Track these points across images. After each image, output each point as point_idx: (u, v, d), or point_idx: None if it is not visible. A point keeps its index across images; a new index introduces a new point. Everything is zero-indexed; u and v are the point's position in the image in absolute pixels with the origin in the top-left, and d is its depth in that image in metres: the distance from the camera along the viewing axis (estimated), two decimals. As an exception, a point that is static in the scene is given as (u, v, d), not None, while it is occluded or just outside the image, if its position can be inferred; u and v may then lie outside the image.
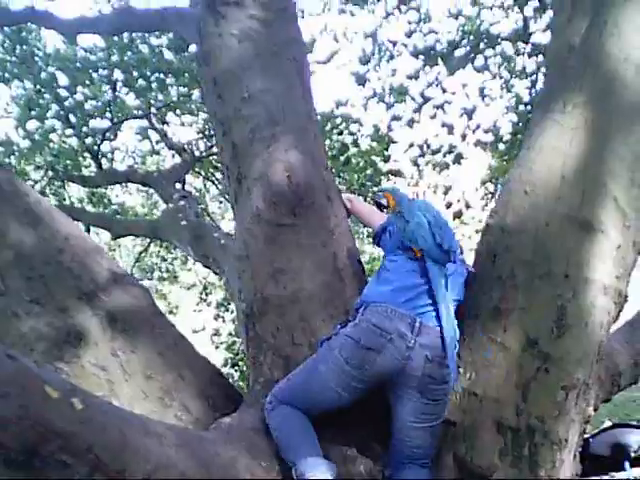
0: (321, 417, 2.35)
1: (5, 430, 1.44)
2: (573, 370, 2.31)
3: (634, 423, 3.67)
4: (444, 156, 7.28)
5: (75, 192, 10.27)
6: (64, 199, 9.32)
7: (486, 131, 7.17)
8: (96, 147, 8.04)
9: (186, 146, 8.44)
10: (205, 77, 3.00)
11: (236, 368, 10.00)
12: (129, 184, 9.85)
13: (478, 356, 2.40)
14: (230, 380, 9.80)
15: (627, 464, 3.43)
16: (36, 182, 8.87)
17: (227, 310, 10.77)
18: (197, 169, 9.37)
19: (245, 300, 2.66)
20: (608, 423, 3.68)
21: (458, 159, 7.13)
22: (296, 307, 2.53)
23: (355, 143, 7.47)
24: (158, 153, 9.44)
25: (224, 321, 10.93)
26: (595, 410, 2.59)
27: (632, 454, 3.45)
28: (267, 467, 2.16)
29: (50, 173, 8.47)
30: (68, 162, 8.37)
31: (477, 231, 8.51)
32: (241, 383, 8.85)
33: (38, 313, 2.25)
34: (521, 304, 2.38)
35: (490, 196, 9.04)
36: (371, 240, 3.02)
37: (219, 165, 8.95)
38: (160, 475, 1.78)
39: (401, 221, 2.48)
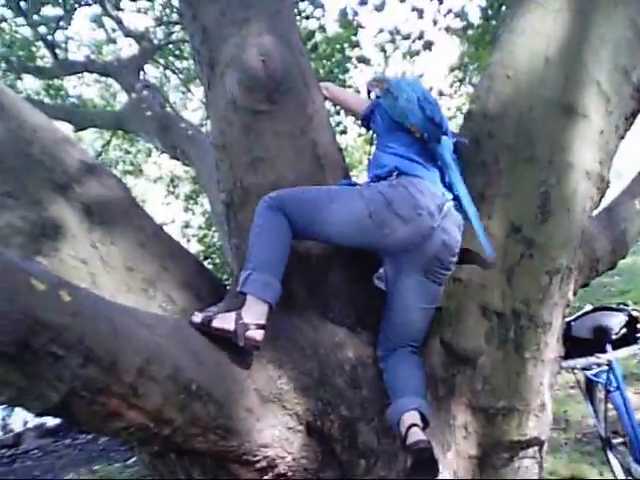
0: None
1: (-6, 324, 1.41)
2: (557, 255, 2.35)
3: (614, 306, 3.75)
4: (414, 42, 7.12)
5: (30, 85, 9.96)
6: (20, 92, 9.01)
7: (456, 15, 6.99)
8: (50, 36, 7.71)
9: (144, 34, 8.12)
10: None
11: (209, 260, 10.05)
12: (86, 75, 9.55)
13: (463, 243, 2.39)
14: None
15: (609, 346, 3.54)
16: (-12, 74, 8.57)
17: (196, 203, 10.73)
18: (157, 58, 9.07)
19: (224, 190, 2.61)
20: (589, 307, 3.77)
21: (429, 45, 6.97)
22: (277, 197, 2.47)
23: (322, 29, 7.26)
24: (115, 42, 9.09)
25: (194, 213, 10.91)
26: (574, 295, 2.64)
27: (613, 336, 3.56)
28: (258, 355, 2.18)
29: (3, 65, 8.14)
30: (22, 53, 8.05)
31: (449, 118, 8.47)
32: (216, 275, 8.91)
33: (12, 207, 2.18)
34: (505, 190, 2.39)
35: (459, 83, 8.97)
36: (359, 123, 2.96)
37: (179, 53, 8.70)
38: (153, 366, 1.79)
39: (389, 98, 2.45)
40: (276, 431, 2.13)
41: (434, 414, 2.32)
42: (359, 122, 2.94)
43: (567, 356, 2.88)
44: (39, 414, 1.68)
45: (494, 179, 2.40)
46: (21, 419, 8.32)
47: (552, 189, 2.33)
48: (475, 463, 2.39)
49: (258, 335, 2.12)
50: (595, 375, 3.71)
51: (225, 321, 2.13)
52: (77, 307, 1.63)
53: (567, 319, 3.34)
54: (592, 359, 3.46)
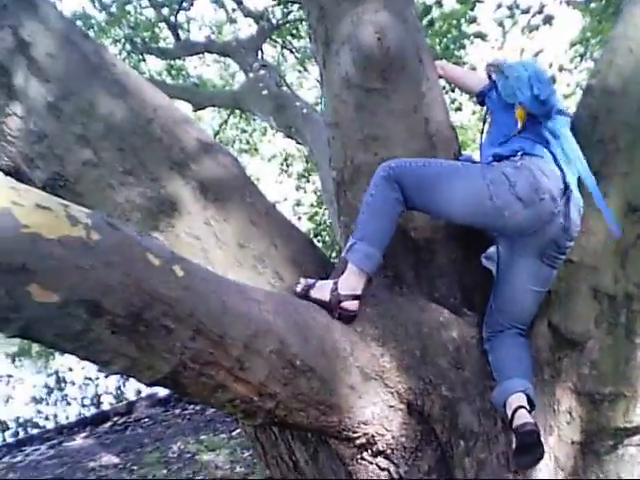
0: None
1: (110, 297, 1.48)
2: (676, 238, 2.23)
3: None
4: (533, 17, 6.88)
5: (153, 65, 10.28)
6: (144, 72, 9.33)
7: (576, -11, 6.74)
8: (172, 18, 7.93)
9: (263, 13, 8.23)
10: None
11: (319, 238, 10.14)
12: (206, 55, 9.77)
13: (576, 223, 2.32)
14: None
15: None
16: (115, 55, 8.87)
17: (308, 181, 10.83)
18: (274, 38, 9.17)
19: (335, 168, 2.63)
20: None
21: (549, 20, 6.71)
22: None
23: (439, 4, 7.12)
24: (234, 22, 9.26)
25: (305, 192, 11.02)
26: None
27: None
28: (361, 332, 2.20)
29: (128, 46, 8.44)
30: (146, 34, 8.32)
31: (566, 96, 8.19)
32: (324, 253, 9.01)
33: (132, 184, 2.27)
34: (623, 169, 2.27)
35: (580, 59, 8.63)
36: (475, 100, 2.90)
37: (296, 33, 8.75)
38: (260, 340, 1.83)
39: (502, 78, 2.40)
40: (377, 409, 2.14)
41: (538, 398, 2.27)
42: (474, 99, 2.88)
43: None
44: (150, 384, 1.74)
45: (612, 157, 2.29)
46: (134, 388, 8.69)
47: (673, 168, 2.21)
48: (577, 449, 2.31)
49: (352, 305, 2.18)
50: None
51: (322, 291, 2.21)
52: (189, 282, 1.68)
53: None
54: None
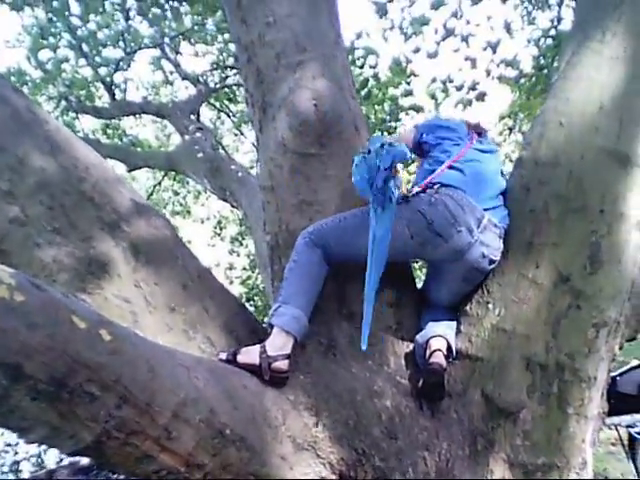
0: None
1: (33, 360, 1.41)
2: (605, 307, 2.27)
3: (662, 362, 3.64)
4: (467, 93, 7.10)
5: (89, 124, 10.20)
6: (78, 131, 9.23)
7: (508, 64, 6.97)
8: (109, 78, 7.91)
9: (200, 77, 8.29)
10: (228, 1, 2.88)
11: (251, 302, 10.06)
12: (143, 116, 9.75)
13: (508, 292, 2.35)
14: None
15: (655, 403, 3.42)
16: (49, 113, 8.76)
17: (241, 245, 10.78)
18: (211, 101, 9.23)
19: (270, 232, 2.61)
20: (635, 362, 3.66)
21: (481, 97, 6.95)
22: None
23: (375, 76, 7.29)
24: (172, 84, 9.30)
25: (238, 255, 10.96)
26: (620, 348, 2.55)
27: (660, 394, 3.44)
28: (294, 401, 2.15)
29: (63, 104, 8.36)
30: (81, 93, 8.25)
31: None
32: (257, 317, 8.93)
33: (60, 243, 2.19)
34: (554, 239, 2.32)
35: (509, 131, 8.92)
36: (414, 155, 2.96)
37: (233, 97, 8.83)
38: (189, 408, 1.76)
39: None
40: (308, 480, 2.07)
41: (471, 468, 2.25)
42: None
43: (611, 412, 2.77)
44: (71, 454, 1.66)
45: (543, 227, 2.34)
46: (55, 455, 8.34)
47: (603, 239, 2.26)
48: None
49: (283, 365, 2.16)
50: (639, 433, 3.57)
51: (250, 355, 2.18)
52: (116, 346, 1.61)
53: (612, 374, 3.22)
54: (637, 417, 3.33)
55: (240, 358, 2.17)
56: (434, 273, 2.60)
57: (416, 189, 2.50)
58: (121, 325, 1.84)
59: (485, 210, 2.43)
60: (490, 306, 2.38)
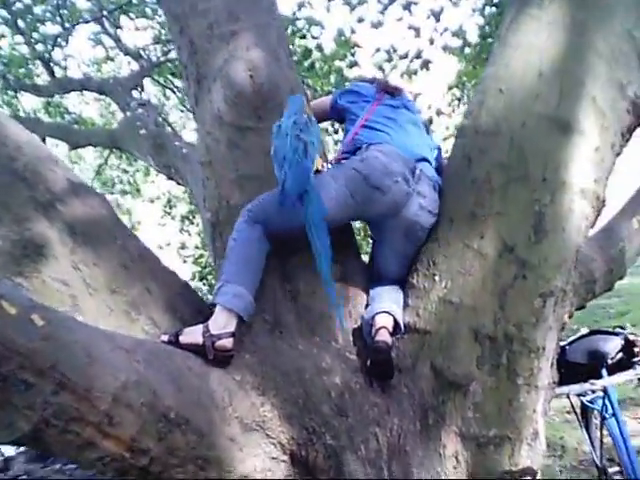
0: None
1: (-41, 349, 1.35)
2: (551, 277, 2.27)
3: (611, 330, 3.67)
4: (411, 61, 7.06)
5: (30, 103, 9.95)
6: (18, 109, 8.99)
7: (454, 34, 6.94)
8: (48, 54, 7.69)
9: (142, 51, 8.10)
10: (160, -29, 2.80)
11: (204, 281, 9.98)
12: (86, 93, 9.53)
13: (454, 263, 2.34)
14: (199, 294, 9.81)
15: (604, 371, 3.45)
16: (-14, 92, 8.56)
17: (192, 223, 10.66)
18: (155, 76, 9.03)
19: (210, 209, 2.55)
20: (584, 330, 3.69)
21: (426, 65, 6.90)
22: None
23: (319, 48, 7.21)
24: (112, 60, 9.08)
25: (190, 234, 10.85)
26: (570, 317, 2.57)
27: (609, 361, 3.47)
28: (240, 380, 2.10)
29: (1, 82, 8.12)
30: (20, 71, 8.03)
31: (445, 139, 8.43)
32: (209, 296, 8.86)
33: (-7, 226, 2.12)
34: (498, 209, 2.30)
35: (457, 102, 8.92)
36: (332, 118, 3.08)
37: (177, 72, 8.68)
38: (130, 392, 1.72)
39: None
40: (259, 461, 2.02)
41: (423, 443, 2.24)
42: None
43: (561, 381, 2.79)
44: (10, 443, 1.61)
45: (486, 197, 2.32)
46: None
47: (546, 208, 2.25)
48: (466, 494, 2.30)
49: (228, 343, 2.11)
50: (590, 401, 3.61)
51: (193, 335, 2.13)
52: (50, 331, 1.56)
53: (562, 343, 3.25)
54: (586, 386, 3.36)
55: (182, 339, 2.12)
56: (377, 236, 2.62)
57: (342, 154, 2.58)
58: (56, 309, 1.79)
59: (415, 160, 2.50)
60: (436, 278, 2.36)
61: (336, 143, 7.87)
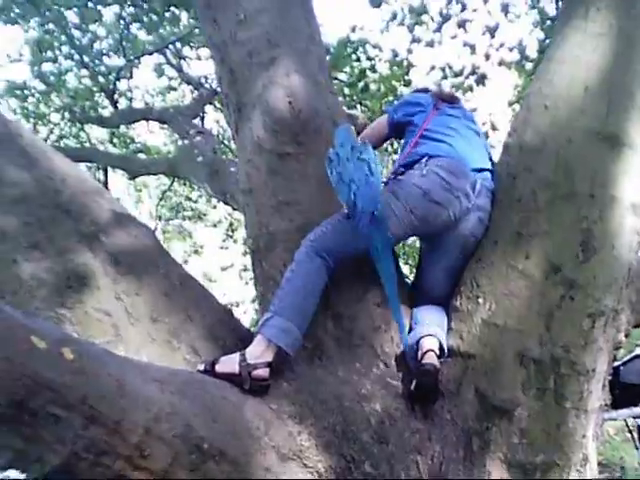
0: None
1: (-10, 384, 1.35)
2: (600, 296, 2.17)
3: (666, 350, 3.53)
4: (467, 78, 6.99)
5: (98, 134, 10.20)
6: (84, 141, 9.25)
7: (510, 49, 6.85)
8: (112, 86, 7.89)
9: (202, 80, 8.23)
10: (199, 1, 2.83)
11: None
12: (151, 122, 9.74)
13: (498, 285, 2.26)
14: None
15: (659, 393, 3.31)
16: (55, 124, 8.81)
17: (254, 245, 10.70)
18: (218, 104, 9.16)
19: (251, 236, 2.55)
20: (639, 350, 3.55)
21: (482, 80, 6.83)
22: (303, 242, 2.39)
23: (373, 69, 7.20)
24: (175, 89, 9.26)
25: (252, 257, 10.89)
26: (626, 336, 2.45)
27: (664, 382, 3.33)
28: (277, 409, 2.06)
29: (68, 115, 8.37)
30: (86, 103, 8.25)
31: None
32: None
33: (37, 258, 2.15)
34: (544, 228, 2.22)
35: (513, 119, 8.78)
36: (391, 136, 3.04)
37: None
38: (162, 424, 1.70)
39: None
40: (296, 490, 1.99)
41: (467, 470, 2.16)
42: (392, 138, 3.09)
43: (615, 403, 2.67)
44: (39, 477, 1.60)
45: (532, 216, 2.25)
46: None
47: (594, 225, 2.16)
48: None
49: (264, 373, 2.08)
50: (646, 423, 3.47)
51: (229, 364, 2.09)
52: (80, 365, 1.56)
53: (616, 363, 3.12)
54: (637, 410, 3.22)
55: (219, 367, 2.09)
56: (431, 252, 2.57)
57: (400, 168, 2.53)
58: (88, 342, 1.80)
59: (475, 171, 2.46)
60: (480, 300, 2.29)
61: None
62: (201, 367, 2.11)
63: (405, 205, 2.32)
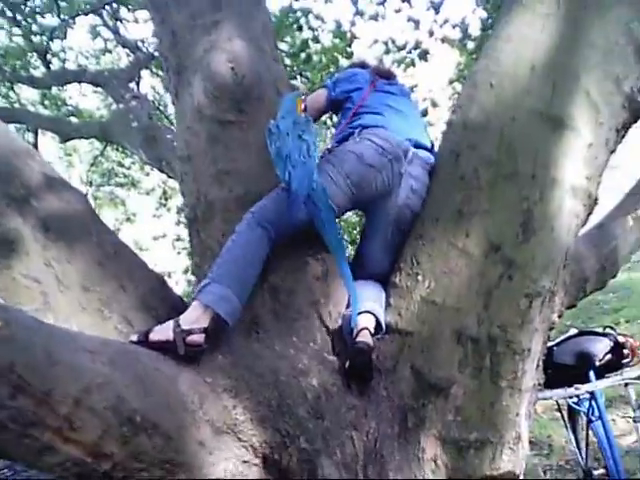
0: None
1: None
2: (538, 277, 2.18)
3: (600, 330, 3.60)
4: (409, 52, 6.97)
5: (28, 94, 9.88)
6: (14, 101, 8.93)
7: (454, 26, 6.85)
8: (45, 46, 7.62)
9: (139, 43, 8.01)
10: (141, -42, 2.73)
11: (198, 274, 9.84)
12: (84, 85, 9.45)
13: (438, 263, 2.26)
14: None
15: (592, 374, 3.37)
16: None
17: (188, 215, 10.54)
18: (154, 69, 8.94)
19: (188, 204, 2.48)
20: (573, 331, 3.62)
21: (424, 55, 6.81)
22: (243, 212, 2.32)
23: (316, 39, 7.12)
24: (110, 52, 9.00)
25: (185, 226, 10.72)
26: (559, 317, 2.49)
27: (597, 363, 3.40)
28: (212, 383, 2.01)
29: (-3, 74, 8.07)
30: (17, 62, 7.97)
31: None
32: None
33: (-37, 221, 2.05)
34: (485, 207, 2.22)
35: (457, 96, 8.82)
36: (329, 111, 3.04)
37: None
38: (93, 396, 1.63)
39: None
40: (230, 465, 1.94)
41: (402, 447, 2.16)
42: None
43: (548, 383, 2.72)
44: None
45: (473, 194, 2.24)
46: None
47: (535, 206, 2.17)
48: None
49: (199, 338, 2.01)
50: (577, 403, 3.55)
51: (163, 332, 2.01)
52: (8, 332, 1.49)
53: (549, 344, 3.18)
54: (571, 391, 3.29)
55: (152, 336, 2.00)
56: (369, 225, 2.59)
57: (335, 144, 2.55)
58: (17, 309, 1.72)
59: (409, 142, 2.50)
60: (420, 278, 2.28)
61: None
62: (134, 338, 2.03)
63: (340, 171, 2.34)
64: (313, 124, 2.34)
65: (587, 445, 3.61)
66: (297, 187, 2.18)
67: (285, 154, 2.21)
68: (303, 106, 2.41)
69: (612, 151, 2.44)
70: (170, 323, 2.03)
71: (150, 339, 2.00)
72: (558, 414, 5.09)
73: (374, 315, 2.29)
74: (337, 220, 2.29)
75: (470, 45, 7.25)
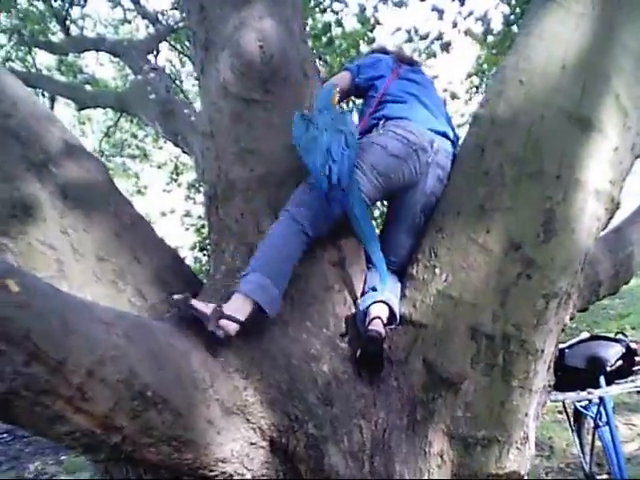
0: None
1: None
2: (556, 278, 2.17)
3: (612, 336, 3.58)
4: (432, 43, 6.93)
5: (44, 60, 9.87)
6: (30, 66, 8.91)
7: (478, 19, 6.79)
8: (64, 12, 7.58)
9: (159, 15, 7.97)
10: None
11: (204, 252, 9.86)
12: (102, 54, 9.41)
13: (457, 257, 2.24)
14: (198, 264, 9.73)
15: (602, 380, 3.35)
16: (1, 47, 8.48)
17: (198, 192, 10.54)
18: (172, 42, 8.89)
19: (208, 181, 2.46)
20: (585, 334, 3.60)
21: (446, 47, 6.77)
22: (264, 192, 2.33)
23: (339, 23, 7.07)
24: (129, 22, 8.96)
25: (195, 203, 10.72)
26: (571, 319, 2.47)
27: (608, 368, 3.38)
28: (224, 362, 2.01)
29: (16, 37, 8.04)
30: (35, 27, 7.94)
31: (459, 126, 8.31)
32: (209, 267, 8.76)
33: (-19, 183, 2.04)
34: (507, 204, 2.19)
35: (475, 90, 8.78)
36: (354, 94, 2.95)
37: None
38: (106, 368, 1.62)
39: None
40: (237, 446, 1.94)
41: (409, 439, 2.16)
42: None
43: (558, 385, 2.71)
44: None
45: (497, 191, 2.22)
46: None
47: (558, 207, 2.14)
48: (448, 495, 2.23)
49: (231, 328, 2.01)
50: (584, 407, 3.54)
51: (203, 305, 2.01)
52: (26, 299, 1.47)
53: (561, 346, 3.17)
54: (583, 394, 3.27)
55: (194, 302, 1.99)
56: (394, 213, 2.56)
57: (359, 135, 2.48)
58: (35, 275, 1.70)
59: (432, 132, 2.50)
60: (437, 270, 2.27)
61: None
62: (178, 296, 2.01)
63: (366, 162, 2.33)
64: (350, 117, 2.33)
65: (592, 450, 3.59)
66: (340, 179, 2.19)
67: (326, 148, 2.20)
68: (337, 98, 2.40)
69: (638, 156, 2.42)
70: (213, 305, 2.02)
71: (192, 303, 1.99)
72: (560, 416, 5.10)
73: (388, 305, 2.28)
74: (369, 211, 2.28)
75: (490, 39, 7.18)
